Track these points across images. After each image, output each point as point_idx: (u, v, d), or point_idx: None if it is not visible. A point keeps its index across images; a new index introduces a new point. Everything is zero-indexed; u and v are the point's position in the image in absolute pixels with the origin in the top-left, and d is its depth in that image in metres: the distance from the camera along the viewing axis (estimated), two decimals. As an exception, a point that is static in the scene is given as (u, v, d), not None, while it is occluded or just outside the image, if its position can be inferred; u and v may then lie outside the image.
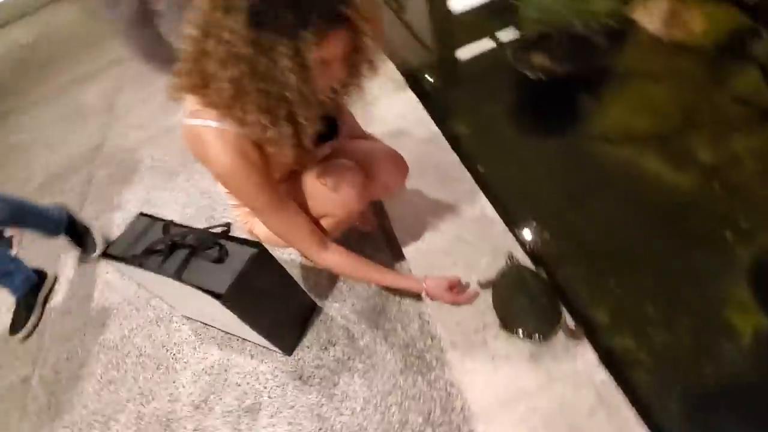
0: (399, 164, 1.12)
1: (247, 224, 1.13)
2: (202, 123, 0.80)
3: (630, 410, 0.84)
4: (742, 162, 1.53)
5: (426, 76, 2.23)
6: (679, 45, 1.76)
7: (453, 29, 2.66)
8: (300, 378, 1.19)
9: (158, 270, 1.06)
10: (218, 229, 1.12)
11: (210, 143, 0.81)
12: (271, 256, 1.11)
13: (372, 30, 0.74)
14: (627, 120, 1.71)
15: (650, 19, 1.83)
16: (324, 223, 1.05)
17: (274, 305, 1.18)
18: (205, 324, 1.40)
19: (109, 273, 1.69)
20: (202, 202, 1.82)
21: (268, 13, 0.66)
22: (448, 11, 2.77)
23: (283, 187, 1.05)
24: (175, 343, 1.40)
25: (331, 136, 1.13)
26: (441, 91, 2.13)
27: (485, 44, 2.26)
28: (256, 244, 1.05)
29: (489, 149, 1.79)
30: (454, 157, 1.44)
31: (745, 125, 1.59)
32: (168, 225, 1.16)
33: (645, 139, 1.67)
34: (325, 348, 1.23)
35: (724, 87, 1.66)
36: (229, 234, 1.10)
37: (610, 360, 1.16)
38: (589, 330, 1.23)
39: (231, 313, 1.04)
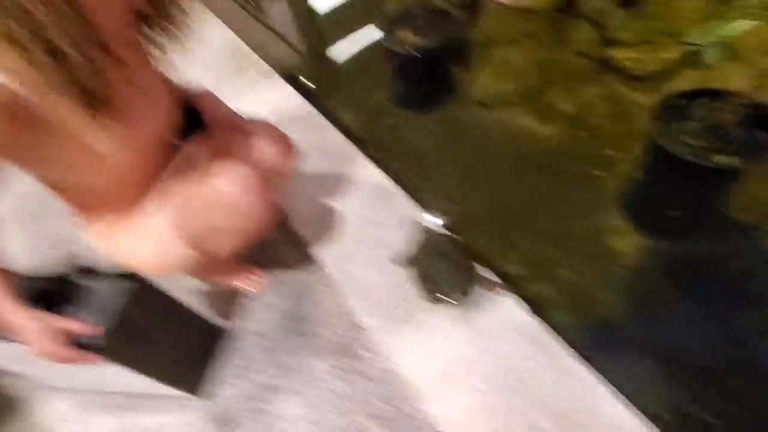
0: (285, 141, 1.00)
1: (114, 253, 0.91)
2: None
3: (558, 346, 0.86)
4: (594, 107, 1.74)
5: (298, 63, 2.15)
6: (524, 10, 1.92)
7: (317, 15, 2.59)
8: (224, 418, 1.02)
9: (8, 339, 0.80)
10: (75, 272, 0.89)
11: None
12: (150, 285, 0.92)
13: None
14: (496, 84, 1.82)
15: (496, -12, 1.98)
16: (225, 240, 0.88)
17: (170, 343, 0.99)
18: (87, 391, 1.13)
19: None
20: (45, 245, 1.49)
21: None
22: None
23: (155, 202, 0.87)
24: (51, 428, 1.10)
25: (194, 128, 0.98)
26: (316, 77, 2.07)
27: (353, 27, 2.24)
28: (132, 276, 0.85)
29: (376, 126, 1.78)
30: (341, 138, 1.37)
31: (590, 75, 1.81)
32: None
33: (514, 99, 1.81)
34: (243, 375, 1.07)
35: (567, 44, 1.86)
36: (93, 271, 0.88)
37: (530, 306, 1.24)
38: (507, 282, 1.29)
39: (119, 367, 0.83)
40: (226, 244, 0.90)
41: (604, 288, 1.26)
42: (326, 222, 1.17)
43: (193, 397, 1.05)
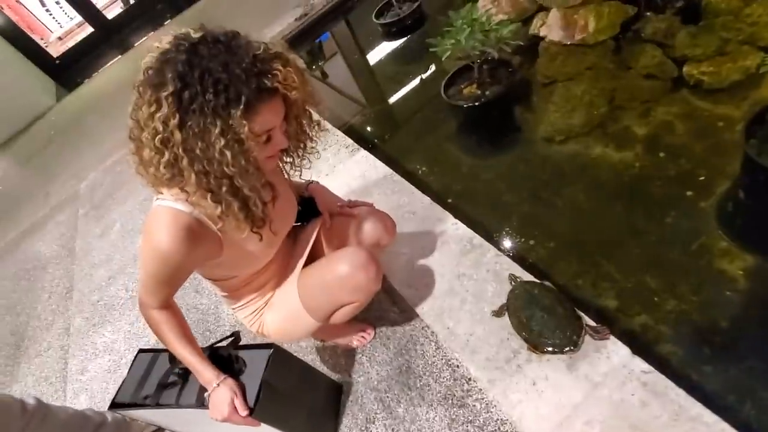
0: (386, 221, 1.15)
1: (255, 325, 1.11)
2: (162, 203, 0.79)
3: (677, 389, 0.86)
4: (673, 126, 1.69)
5: (373, 132, 2.35)
6: (582, 44, 1.96)
7: (382, 82, 2.83)
8: (350, 468, 1.13)
9: (178, 403, 1.00)
10: (225, 342, 1.09)
11: (158, 220, 0.78)
12: (286, 352, 1.08)
13: (302, 93, 0.76)
14: (563, 120, 1.85)
15: (550, 30, 2.05)
16: (345, 311, 1.05)
17: (304, 400, 1.14)
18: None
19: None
20: (192, 317, 1.76)
21: (194, 99, 0.66)
22: (371, 68, 2.96)
23: (286, 286, 1.05)
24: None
25: (309, 216, 1.16)
26: (391, 142, 2.24)
27: (416, 89, 2.42)
28: (269, 345, 1.02)
29: (453, 181, 1.88)
30: (427, 199, 1.50)
31: (662, 95, 1.77)
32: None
33: (584, 131, 1.81)
34: (366, 428, 1.18)
35: (633, 69, 1.85)
36: (239, 342, 1.07)
37: (632, 342, 1.17)
38: (606, 321, 1.26)
39: (266, 426, 0.99)
40: (346, 314, 1.05)
41: (717, 315, 1.20)
42: (424, 280, 1.28)
43: (325, 449, 1.18)
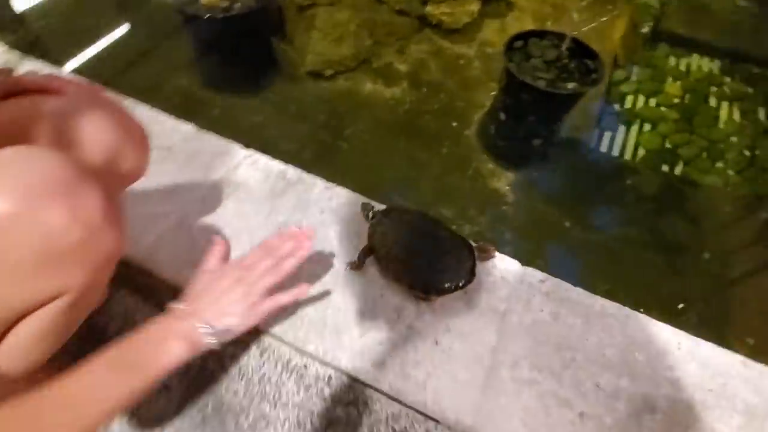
0: (131, 123, 0.56)
1: None
2: None
3: (574, 288, 0.75)
4: (427, 63, 1.74)
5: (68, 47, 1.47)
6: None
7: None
8: None
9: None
10: None
11: None
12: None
13: None
14: (332, 49, 1.62)
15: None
16: (33, 328, 0.41)
17: None
18: None
19: None
20: None
21: None
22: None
23: None
24: None
25: None
26: (104, 66, 1.47)
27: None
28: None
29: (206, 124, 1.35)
30: (187, 126, 0.93)
31: (412, 33, 1.81)
32: None
33: (352, 65, 1.66)
34: None
35: (386, 3, 1.80)
36: None
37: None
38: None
39: None
40: (39, 338, 0.42)
41: (502, 229, 1.28)
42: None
43: None
